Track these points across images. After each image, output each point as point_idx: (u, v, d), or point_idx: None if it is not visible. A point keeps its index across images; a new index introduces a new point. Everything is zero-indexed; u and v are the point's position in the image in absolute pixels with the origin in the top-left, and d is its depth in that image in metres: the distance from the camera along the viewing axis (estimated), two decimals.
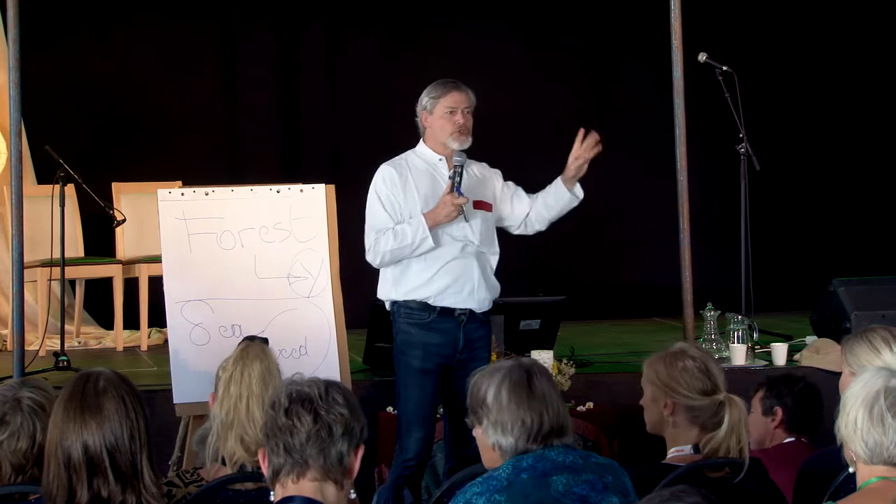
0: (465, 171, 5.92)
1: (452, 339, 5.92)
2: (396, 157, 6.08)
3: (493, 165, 6.24)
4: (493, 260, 6.07)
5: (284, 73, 10.28)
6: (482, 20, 10.40)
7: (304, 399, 3.24)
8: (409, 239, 5.89)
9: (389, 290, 6.02)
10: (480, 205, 6.03)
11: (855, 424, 3.55)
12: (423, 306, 5.94)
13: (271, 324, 6.45)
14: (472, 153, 6.11)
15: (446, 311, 5.93)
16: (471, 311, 5.94)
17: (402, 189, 5.95)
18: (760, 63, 10.38)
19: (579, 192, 6.13)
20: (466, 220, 5.93)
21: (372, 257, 5.99)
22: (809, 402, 5.32)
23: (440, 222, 5.89)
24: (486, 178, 6.13)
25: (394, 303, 6.01)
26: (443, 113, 6.00)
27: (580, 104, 10.49)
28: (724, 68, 8.15)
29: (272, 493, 3.27)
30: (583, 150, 6.07)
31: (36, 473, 3.73)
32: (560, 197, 6.12)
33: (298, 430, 3.21)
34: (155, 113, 9.83)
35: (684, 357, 4.14)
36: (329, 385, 3.28)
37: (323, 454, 3.21)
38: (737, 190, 8.22)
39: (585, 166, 6.09)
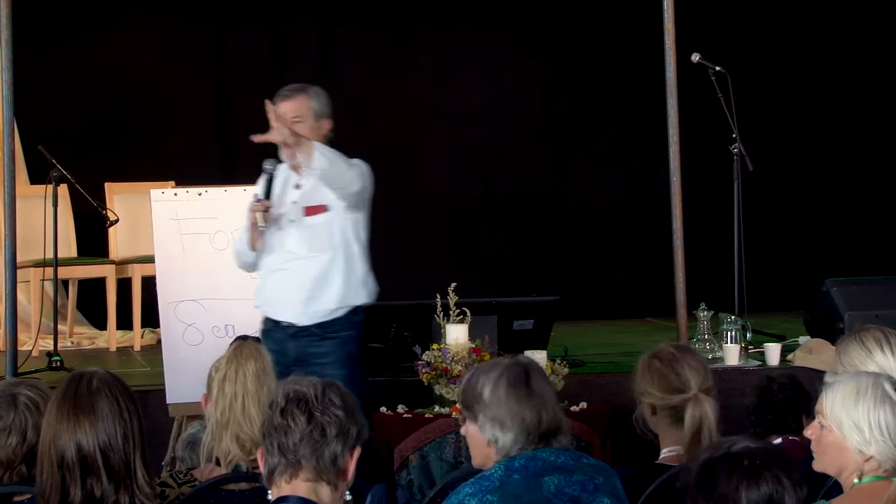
0: (274, 177, 5.72)
1: (282, 349, 5.65)
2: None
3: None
4: (340, 264, 5.76)
5: (277, 73, 10.27)
6: (475, 20, 10.40)
7: (300, 399, 3.24)
8: (237, 244, 5.88)
9: None
10: (313, 210, 5.76)
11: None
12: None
13: None
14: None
15: (273, 321, 5.79)
16: (296, 324, 5.72)
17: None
18: (754, 63, 10.38)
19: (314, 163, 5.53)
20: (262, 226, 5.69)
21: None
22: (766, 406, 5.29)
23: (250, 229, 5.75)
24: None
25: None
26: None
27: (573, 104, 10.50)
28: (717, 68, 8.15)
29: (269, 492, 3.27)
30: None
31: (24, 471, 3.75)
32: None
33: (292, 430, 3.21)
34: (148, 113, 9.82)
35: (655, 357, 4.21)
36: (327, 386, 3.29)
37: (316, 455, 3.21)
38: (729, 190, 8.23)
39: (297, 146, 5.51)
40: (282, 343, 5.72)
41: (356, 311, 5.85)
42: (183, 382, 6.33)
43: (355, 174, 5.65)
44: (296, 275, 5.74)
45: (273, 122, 5.53)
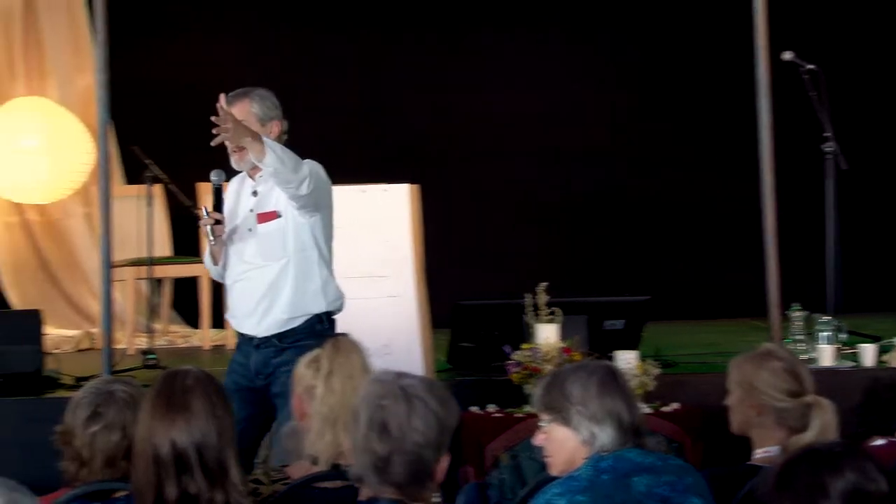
0: (221, 189, 5.65)
1: (247, 360, 5.57)
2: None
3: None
4: (291, 271, 5.55)
5: (367, 75, 10.32)
6: (553, 18, 10.37)
7: (384, 426, 3.23)
8: (204, 257, 5.79)
9: None
10: (265, 217, 5.61)
11: None
12: None
13: (355, 323, 6.46)
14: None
15: (240, 334, 5.67)
16: (257, 336, 5.55)
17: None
18: (846, 60, 10.25)
19: (266, 160, 5.41)
20: (211, 241, 5.61)
21: None
22: (871, 407, 5.22)
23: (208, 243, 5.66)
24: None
25: None
26: None
27: (662, 102, 10.44)
28: (810, 66, 8.06)
29: (360, 491, 3.29)
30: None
31: (125, 467, 3.75)
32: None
33: (376, 450, 3.22)
34: None
35: (771, 358, 4.14)
36: (412, 403, 3.25)
37: (403, 471, 3.22)
38: (821, 189, 8.14)
39: (234, 136, 5.53)
40: (247, 355, 5.61)
41: (320, 319, 5.63)
42: None
43: (307, 173, 5.48)
44: (251, 285, 5.57)
45: (222, 121, 5.49)
